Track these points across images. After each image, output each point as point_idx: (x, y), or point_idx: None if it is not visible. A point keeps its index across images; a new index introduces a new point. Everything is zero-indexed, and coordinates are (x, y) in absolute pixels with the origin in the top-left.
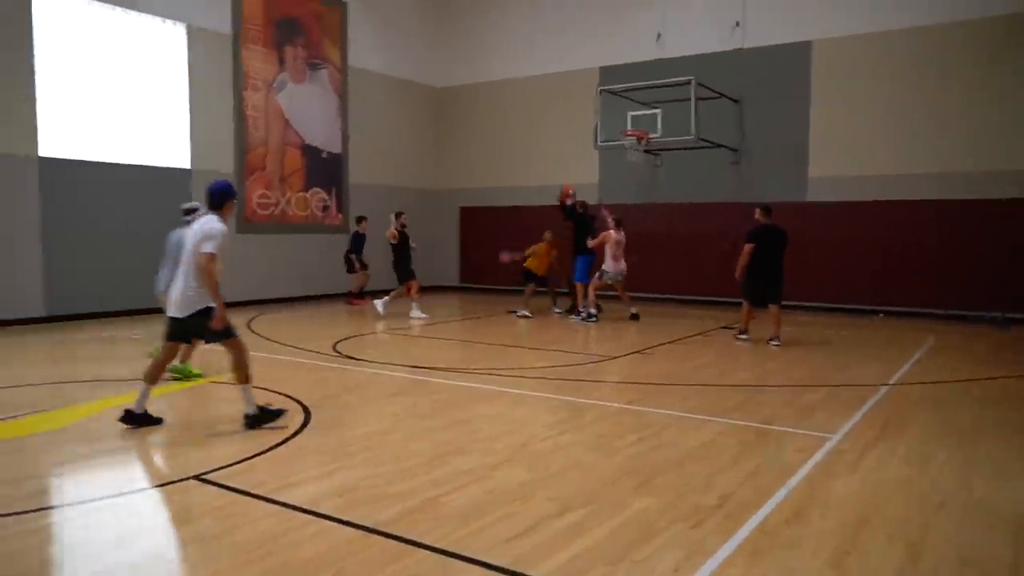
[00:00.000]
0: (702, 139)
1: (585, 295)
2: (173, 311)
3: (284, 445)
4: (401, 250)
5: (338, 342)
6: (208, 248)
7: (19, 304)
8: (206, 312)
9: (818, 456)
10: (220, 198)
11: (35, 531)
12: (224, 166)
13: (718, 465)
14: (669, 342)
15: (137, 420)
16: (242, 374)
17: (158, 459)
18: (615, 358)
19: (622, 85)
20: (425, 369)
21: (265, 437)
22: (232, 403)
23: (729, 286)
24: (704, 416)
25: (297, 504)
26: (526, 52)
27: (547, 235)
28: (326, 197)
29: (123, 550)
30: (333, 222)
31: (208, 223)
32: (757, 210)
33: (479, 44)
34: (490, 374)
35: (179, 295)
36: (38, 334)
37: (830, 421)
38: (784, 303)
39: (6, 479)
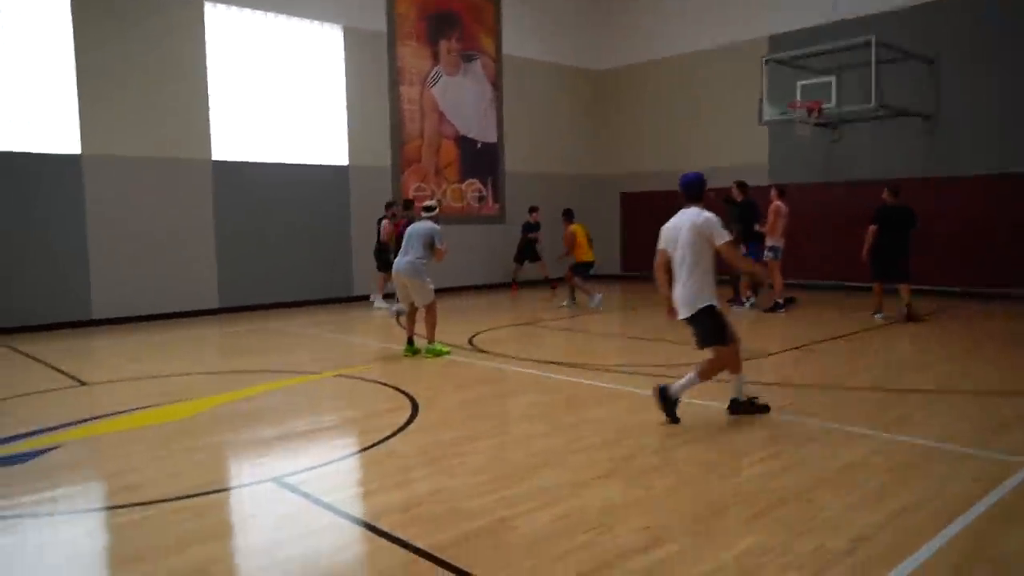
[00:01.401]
0: (883, 106)
1: (753, 286)
2: (682, 312)
3: (379, 447)
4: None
5: (476, 334)
6: (726, 237)
7: (197, 297)
8: (706, 312)
9: (1000, 491)
10: (700, 188)
11: (92, 532)
12: (381, 160)
13: (860, 495)
14: (834, 337)
15: (742, 408)
16: (703, 376)
17: (248, 457)
18: (768, 356)
19: (788, 53)
20: (555, 365)
21: (364, 436)
22: (345, 398)
23: (916, 273)
24: (859, 428)
25: (359, 516)
26: (688, 26)
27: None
28: (482, 188)
29: (169, 558)
30: (489, 212)
31: (701, 216)
32: (884, 190)
33: (638, 22)
34: (620, 371)
35: (685, 293)
36: (212, 325)
37: None
38: (987, 291)
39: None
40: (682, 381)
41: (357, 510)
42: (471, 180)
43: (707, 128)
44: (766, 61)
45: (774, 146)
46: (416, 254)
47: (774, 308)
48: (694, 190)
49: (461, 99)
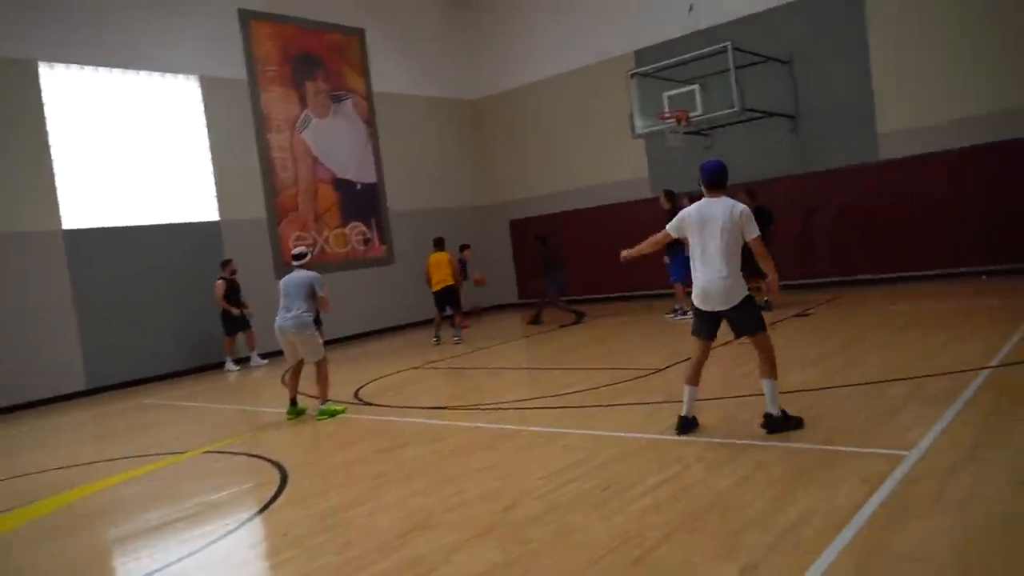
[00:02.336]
0: (749, 110)
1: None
2: (716, 305)
3: (236, 532)
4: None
5: (363, 386)
6: (757, 232)
7: (61, 381)
8: (748, 300)
9: (888, 487)
10: (725, 176)
11: None
12: (254, 212)
13: (749, 516)
14: (727, 342)
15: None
16: (771, 368)
17: (80, 569)
18: (661, 370)
19: (652, 65)
20: (443, 410)
21: (221, 523)
22: (208, 478)
23: (799, 268)
24: (746, 440)
25: None
26: (557, 48)
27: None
28: (366, 230)
29: None
30: (376, 254)
31: (737, 207)
32: (742, 193)
33: (507, 48)
34: (510, 408)
35: (724, 285)
36: (78, 410)
37: (910, 431)
38: (870, 277)
39: None
40: (770, 394)
41: None
42: (354, 223)
43: (586, 147)
44: (632, 75)
45: (652, 158)
46: (299, 308)
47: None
48: (720, 177)
49: (335, 141)
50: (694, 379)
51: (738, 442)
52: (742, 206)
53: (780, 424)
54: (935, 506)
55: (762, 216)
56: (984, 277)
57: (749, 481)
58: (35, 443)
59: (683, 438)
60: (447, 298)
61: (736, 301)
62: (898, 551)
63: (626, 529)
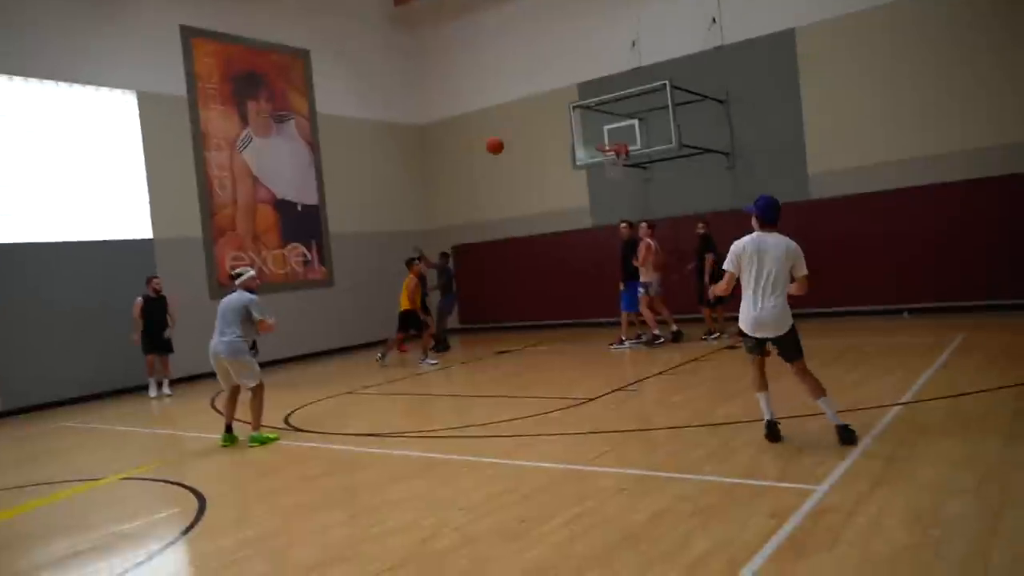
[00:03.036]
0: (687, 146)
1: (633, 323)
2: (767, 332)
3: (144, 566)
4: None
5: (294, 411)
6: (805, 269)
7: None
8: (794, 328)
9: (794, 521)
10: (779, 211)
11: None
12: (190, 231)
13: (661, 550)
14: (660, 372)
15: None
16: (818, 387)
17: None
18: (592, 399)
19: (594, 99)
20: (371, 437)
21: (131, 555)
22: (122, 506)
23: (731, 302)
24: (668, 473)
25: None
26: (502, 77)
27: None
28: (306, 251)
29: None
30: (316, 276)
31: (791, 241)
32: (700, 224)
33: (453, 76)
34: (440, 437)
35: (775, 313)
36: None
37: (821, 465)
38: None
39: None
40: (830, 409)
41: None
42: (293, 244)
43: (530, 175)
44: (574, 108)
45: (593, 189)
46: (232, 332)
47: (651, 342)
48: (774, 213)
49: (276, 162)
50: (763, 385)
51: (660, 474)
52: (794, 243)
53: (851, 432)
54: (838, 539)
55: (708, 244)
56: (906, 314)
57: (665, 514)
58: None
59: (609, 470)
60: (403, 321)
61: (785, 329)
62: None
63: (539, 563)
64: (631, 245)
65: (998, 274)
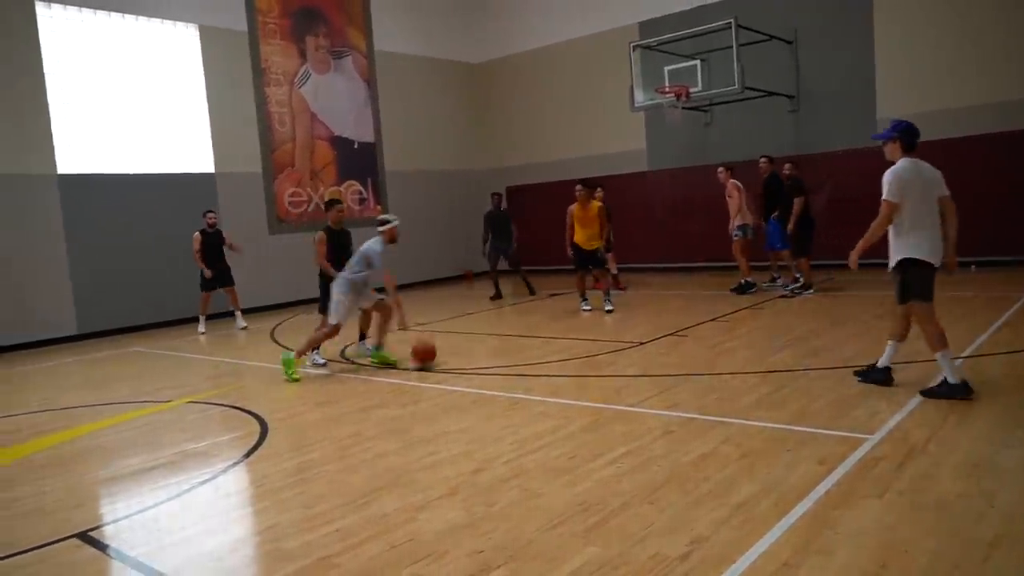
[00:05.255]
0: (750, 88)
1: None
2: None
3: (213, 482)
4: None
5: (349, 344)
6: (947, 190)
7: (52, 325)
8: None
9: (843, 469)
10: (918, 136)
11: None
12: (250, 166)
13: (705, 490)
14: (712, 319)
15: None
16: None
17: (62, 509)
18: (641, 344)
19: (655, 39)
20: (425, 372)
21: (200, 471)
22: (190, 428)
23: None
24: (715, 417)
25: (162, 571)
26: (561, 16)
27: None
28: (362, 189)
29: None
30: (371, 214)
31: (927, 164)
32: (787, 165)
33: (512, 13)
34: (488, 374)
35: (937, 243)
36: (69, 354)
37: (874, 416)
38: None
39: None
40: (949, 367)
41: (165, 564)
42: (350, 181)
43: (586, 117)
44: (634, 47)
45: (651, 132)
46: (354, 270)
47: (743, 289)
48: (917, 138)
49: (334, 98)
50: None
51: (708, 418)
52: (931, 169)
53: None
54: (889, 487)
55: (799, 187)
56: (973, 267)
57: (711, 457)
58: (24, 385)
59: (657, 412)
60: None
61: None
62: (844, 529)
63: (586, 498)
64: (775, 180)
65: None
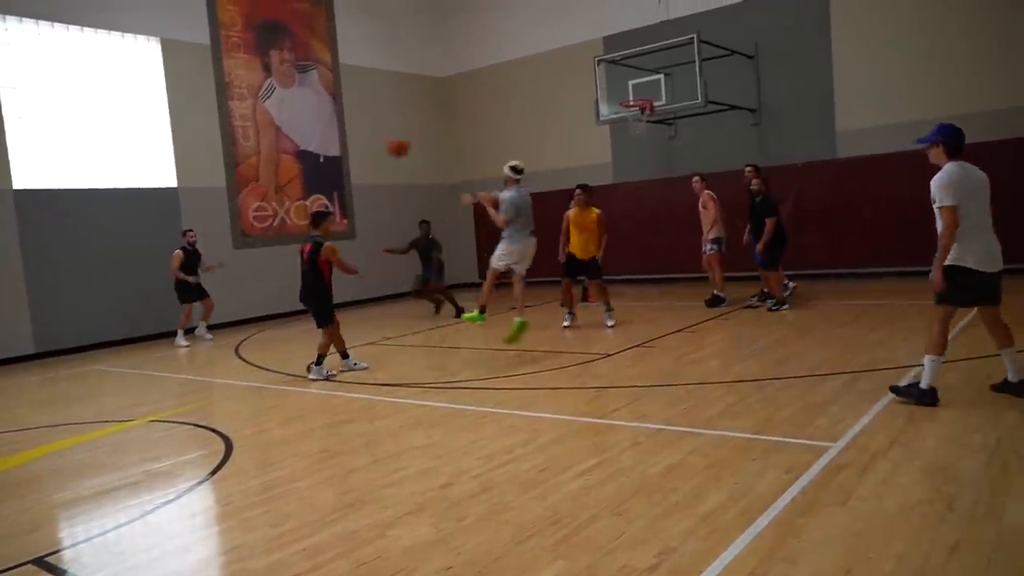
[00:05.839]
0: (712, 102)
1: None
2: (1000, 265)
3: (176, 503)
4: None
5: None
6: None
7: (6, 344)
8: None
9: (808, 477)
10: (964, 139)
11: None
12: (214, 180)
13: (673, 501)
14: (678, 330)
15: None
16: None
17: (17, 533)
18: (610, 355)
19: (619, 53)
20: (395, 387)
21: (162, 492)
22: (152, 447)
23: (752, 261)
24: (683, 427)
25: None
26: (526, 29)
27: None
28: (328, 203)
29: None
30: (338, 228)
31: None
32: (755, 180)
33: (477, 28)
34: (461, 388)
35: (989, 248)
36: (25, 373)
37: (838, 423)
38: (825, 272)
39: None
40: (931, 373)
41: None
42: (316, 196)
43: (552, 130)
44: (599, 62)
45: (616, 145)
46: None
47: (715, 303)
48: (963, 140)
49: (299, 112)
50: (944, 346)
51: (675, 428)
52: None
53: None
54: (852, 494)
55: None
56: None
57: (679, 467)
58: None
59: (625, 423)
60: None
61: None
62: (809, 537)
63: (556, 510)
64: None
65: None
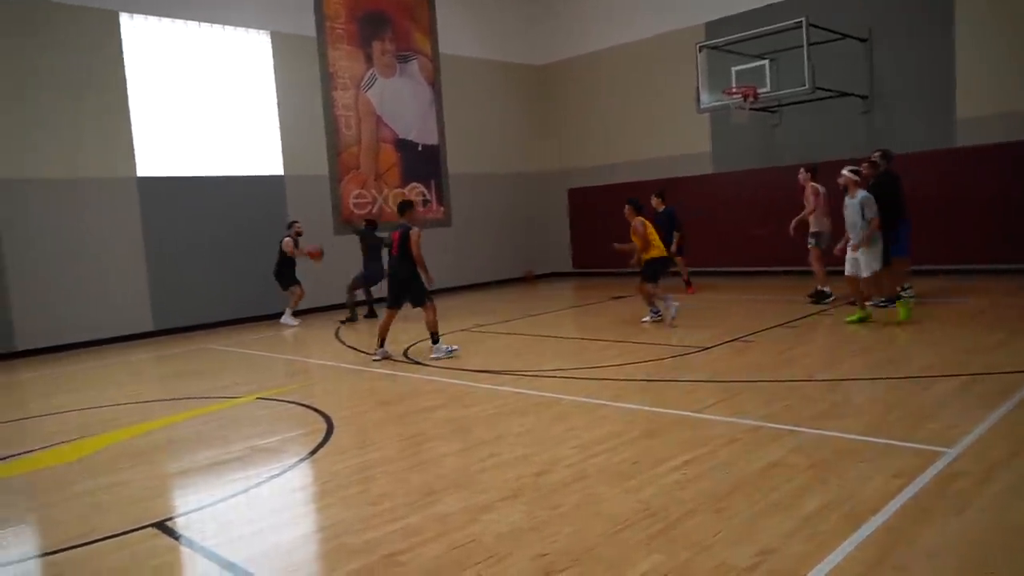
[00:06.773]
0: (821, 88)
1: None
2: None
3: (281, 477)
4: (287, 258)
5: (413, 344)
6: None
7: (129, 321)
8: None
9: (920, 483)
10: None
11: None
12: (317, 168)
13: (774, 500)
14: (778, 325)
15: None
16: None
17: (138, 499)
18: (706, 349)
19: (722, 39)
20: (487, 374)
21: (268, 466)
22: (259, 423)
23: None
24: (784, 425)
25: (235, 562)
26: (626, 17)
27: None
28: (425, 191)
29: None
30: (434, 216)
31: None
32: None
33: (577, 15)
34: (553, 376)
35: None
36: (145, 350)
37: (953, 428)
38: (936, 267)
39: None
40: None
41: (236, 555)
42: (414, 184)
43: (650, 118)
44: (700, 48)
45: (716, 133)
46: None
47: (819, 298)
48: None
49: (399, 101)
50: None
51: (775, 426)
52: None
53: None
54: (969, 504)
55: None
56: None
57: (780, 466)
58: (100, 380)
59: (722, 418)
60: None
61: None
62: (921, 546)
63: (650, 503)
64: (888, 178)
65: None
